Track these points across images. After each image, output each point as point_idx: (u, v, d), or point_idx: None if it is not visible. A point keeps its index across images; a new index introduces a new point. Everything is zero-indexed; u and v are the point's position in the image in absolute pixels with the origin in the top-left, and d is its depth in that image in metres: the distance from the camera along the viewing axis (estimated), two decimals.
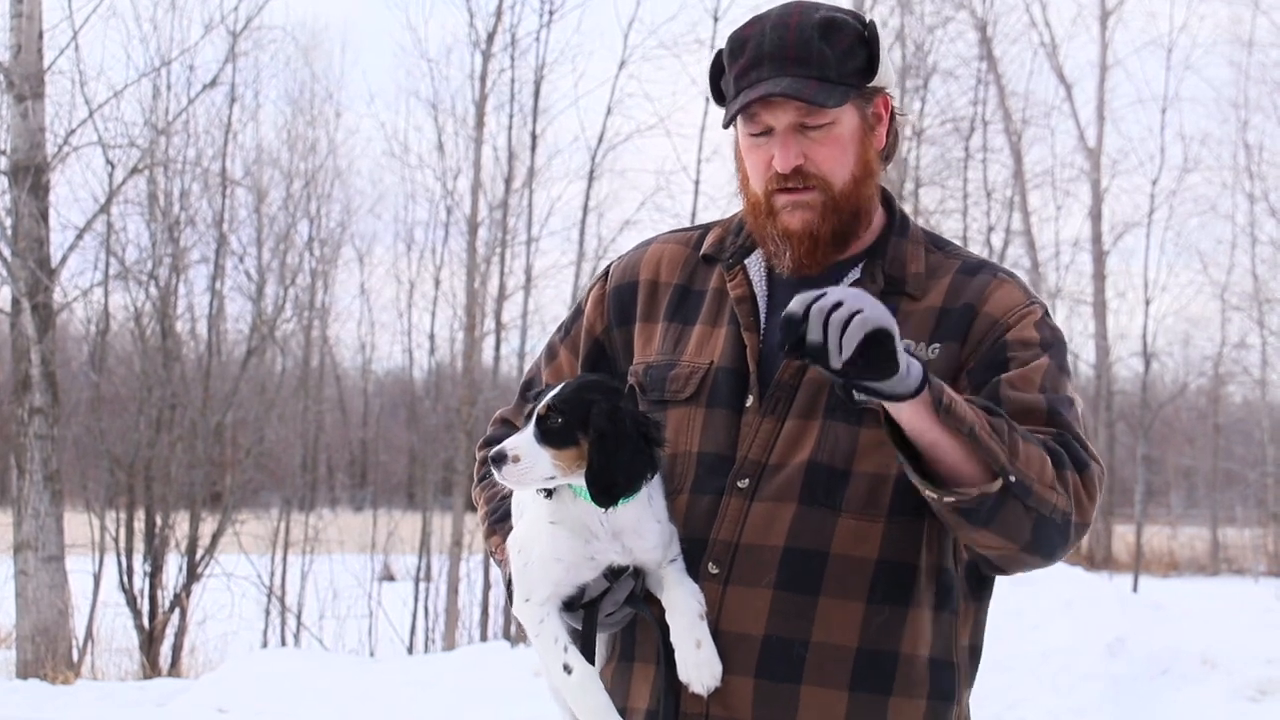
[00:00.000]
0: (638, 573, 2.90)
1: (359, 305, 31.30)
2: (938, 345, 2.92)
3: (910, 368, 2.65)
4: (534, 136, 21.81)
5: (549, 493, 2.90)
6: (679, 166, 25.31)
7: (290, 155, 24.87)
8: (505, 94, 21.71)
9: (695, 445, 2.96)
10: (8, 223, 15.27)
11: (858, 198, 2.96)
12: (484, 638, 19.26)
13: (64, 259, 15.82)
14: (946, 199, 29.21)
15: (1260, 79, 29.71)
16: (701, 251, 3.14)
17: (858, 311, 2.57)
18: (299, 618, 19.83)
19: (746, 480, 2.91)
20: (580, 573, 2.88)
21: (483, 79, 21.27)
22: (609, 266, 3.25)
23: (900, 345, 2.62)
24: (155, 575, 17.42)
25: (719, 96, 3.04)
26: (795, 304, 2.60)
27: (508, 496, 3.09)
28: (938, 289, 2.98)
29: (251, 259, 22.11)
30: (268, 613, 19.57)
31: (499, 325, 21.85)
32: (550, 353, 3.24)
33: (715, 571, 2.89)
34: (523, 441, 2.81)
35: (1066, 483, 2.78)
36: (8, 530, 15.89)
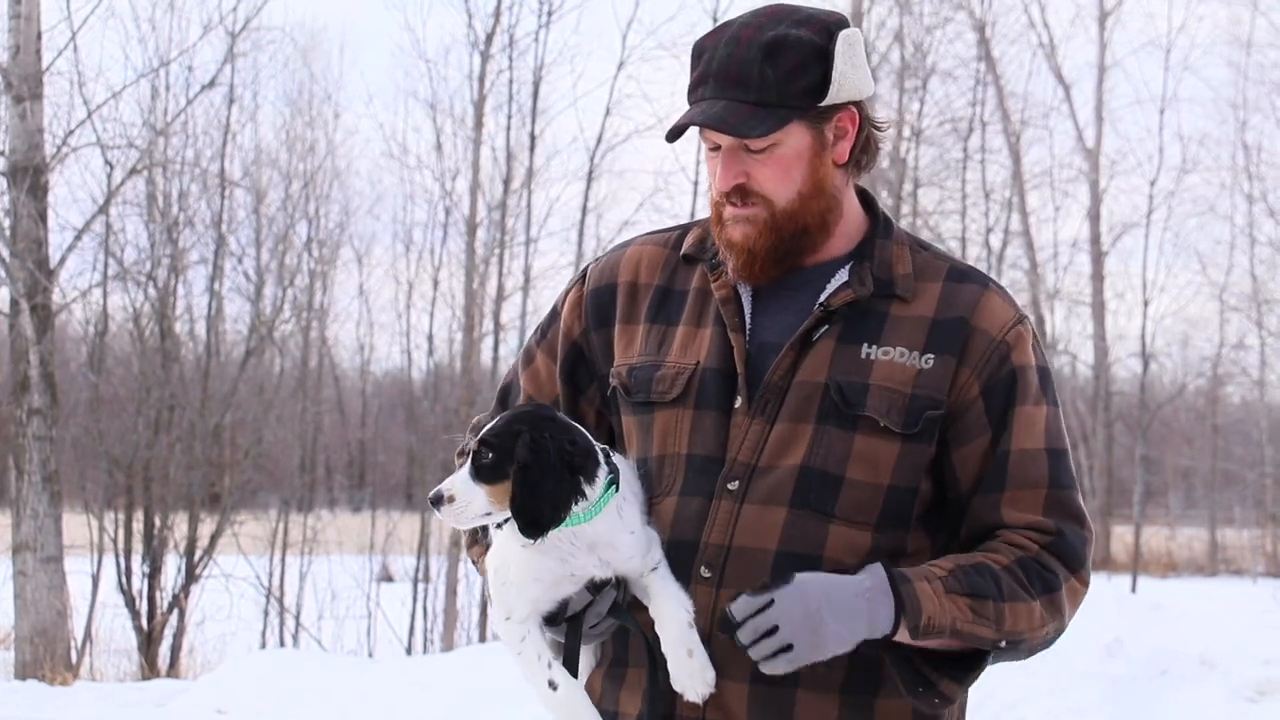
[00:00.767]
0: (620, 582, 2.88)
1: (358, 306, 31.28)
2: (931, 356, 2.91)
3: (875, 620, 2.76)
4: (533, 137, 21.81)
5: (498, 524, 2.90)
6: (677, 167, 25.38)
7: (289, 156, 24.88)
8: (504, 94, 21.72)
9: (684, 447, 2.95)
10: (6, 224, 15.27)
11: (803, 215, 2.95)
12: (482, 638, 19.25)
13: (63, 260, 15.82)
14: (945, 200, 29.22)
15: (1259, 80, 29.74)
16: (682, 251, 3.13)
17: (787, 648, 2.70)
18: (297, 618, 19.83)
19: (736, 482, 2.90)
20: (560, 589, 2.86)
21: (481, 79, 21.27)
22: (585, 269, 3.23)
23: (839, 635, 2.74)
24: (154, 576, 17.42)
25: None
26: (737, 609, 2.72)
27: None
28: (927, 296, 2.97)
29: (250, 260, 22.13)
30: (266, 613, 19.57)
31: (498, 326, 21.85)
32: (527, 357, 3.21)
33: (708, 575, 2.88)
34: (458, 481, 2.80)
35: (1058, 605, 2.89)
36: (6, 531, 15.88)
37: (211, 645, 17.26)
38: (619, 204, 46.09)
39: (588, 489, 2.79)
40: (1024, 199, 30.70)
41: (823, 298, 2.95)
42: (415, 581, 20.69)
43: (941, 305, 2.96)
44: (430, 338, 25.72)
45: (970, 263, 3.23)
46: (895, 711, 2.90)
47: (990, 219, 29.93)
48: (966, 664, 2.87)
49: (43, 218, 15.30)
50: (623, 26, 26.86)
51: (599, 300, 3.14)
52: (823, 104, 2.91)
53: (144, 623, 17.13)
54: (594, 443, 2.85)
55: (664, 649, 2.84)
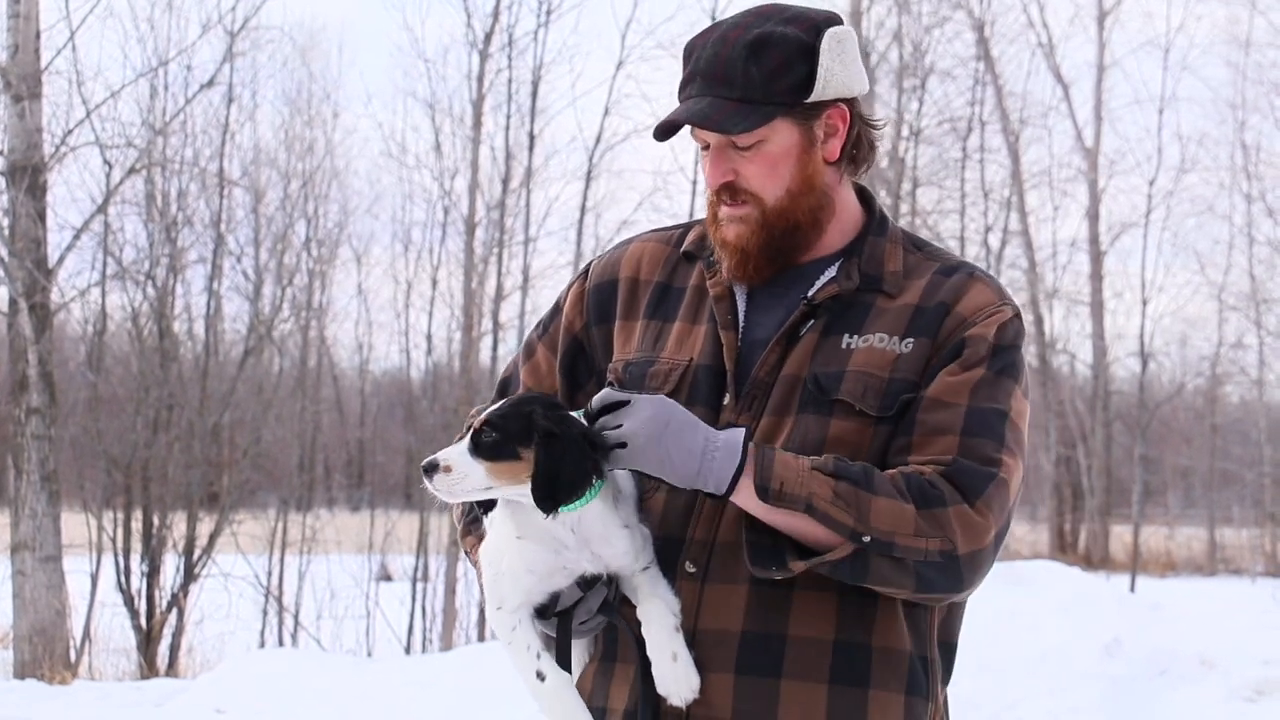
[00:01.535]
0: (611, 579, 2.90)
1: (356, 305, 31.28)
2: (911, 340, 2.93)
3: (703, 469, 2.76)
4: (531, 137, 21.82)
5: (483, 507, 2.90)
6: (676, 167, 25.32)
7: (288, 155, 24.88)
8: (503, 94, 21.73)
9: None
10: (5, 223, 15.27)
11: (793, 212, 2.97)
12: (481, 638, 19.24)
13: (61, 259, 15.82)
14: (944, 199, 29.24)
15: (1258, 79, 29.75)
16: (682, 249, 3.16)
17: (621, 444, 2.76)
18: (296, 618, 19.83)
19: None
20: (553, 581, 2.87)
21: (480, 79, 21.28)
22: (588, 265, 3.26)
23: (699, 447, 2.76)
24: (153, 575, 17.42)
25: None
26: (597, 398, 2.81)
27: None
28: (914, 288, 2.99)
29: (249, 259, 22.13)
30: (265, 613, 19.57)
31: (496, 325, 21.85)
32: (528, 350, 3.24)
33: (692, 570, 2.90)
34: (454, 453, 2.78)
35: (940, 521, 2.78)
36: (5, 531, 15.88)
37: (210, 644, 17.25)
38: (618, 203, 46.15)
39: (604, 470, 2.80)
40: (1023, 198, 30.73)
41: (809, 293, 2.98)
42: (414, 581, 20.70)
43: (925, 294, 2.98)
44: (429, 337, 25.71)
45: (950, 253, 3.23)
46: (886, 704, 2.90)
47: (989, 218, 29.97)
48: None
49: (41, 217, 15.30)
50: (621, 26, 26.89)
51: (600, 296, 3.17)
52: (809, 100, 2.93)
53: (143, 622, 17.13)
54: None
55: (649, 652, 2.86)
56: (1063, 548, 31.38)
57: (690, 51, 2.99)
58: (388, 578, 23.33)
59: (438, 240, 24.13)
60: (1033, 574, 12.27)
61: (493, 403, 2.93)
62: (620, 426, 2.75)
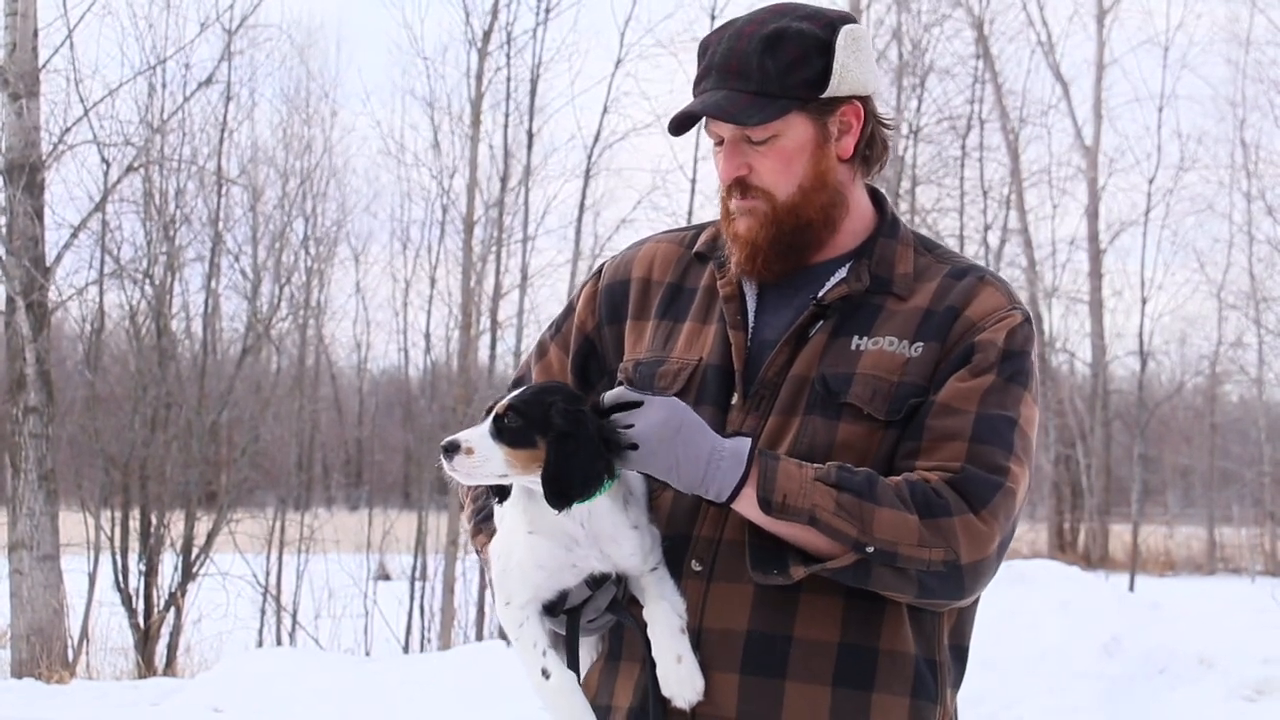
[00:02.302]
0: (620, 579, 2.90)
1: (354, 304, 31.28)
2: (920, 344, 2.92)
3: (715, 474, 2.75)
4: (530, 135, 21.80)
5: (500, 494, 2.90)
6: (675, 165, 25.37)
7: (286, 154, 24.85)
8: (501, 92, 21.71)
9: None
10: (2, 221, 15.26)
11: (805, 209, 2.97)
12: (479, 637, 19.24)
13: (59, 257, 15.81)
14: (943, 197, 29.22)
15: (1257, 77, 29.74)
16: (695, 250, 3.16)
17: (632, 445, 2.76)
18: (294, 617, 19.82)
19: None
20: (561, 578, 2.87)
21: (479, 77, 21.25)
22: (601, 265, 3.27)
23: (705, 454, 2.76)
24: (150, 574, 17.41)
25: None
26: (610, 395, 2.82)
27: None
28: (925, 291, 2.99)
29: (247, 257, 22.12)
30: (263, 612, 19.56)
31: (495, 324, 21.84)
32: (540, 350, 3.25)
33: (698, 569, 2.90)
34: (476, 435, 2.78)
35: (944, 531, 2.78)
36: (2, 529, 15.89)
37: (208, 644, 17.24)
38: (617, 202, 46.13)
39: (617, 470, 2.80)
40: (1022, 197, 30.71)
41: (819, 294, 2.97)
42: (412, 580, 20.71)
43: (936, 297, 2.97)
44: (427, 335, 25.69)
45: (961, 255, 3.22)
46: (891, 707, 2.89)
47: (988, 216, 29.96)
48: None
49: (39, 215, 15.29)
50: (620, 24, 26.82)
51: (612, 296, 3.18)
52: (824, 96, 2.93)
53: (140, 621, 17.12)
54: None
55: (654, 654, 2.86)
56: (1062, 547, 31.38)
57: (705, 47, 2.99)
58: (386, 577, 23.33)
59: (436, 239, 24.14)
60: (1032, 573, 12.25)
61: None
62: (632, 427, 2.76)
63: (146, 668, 16.50)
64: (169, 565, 17.68)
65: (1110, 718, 10.61)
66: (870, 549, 2.75)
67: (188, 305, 20.67)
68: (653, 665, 2.87)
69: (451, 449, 2.77)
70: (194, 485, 17.98)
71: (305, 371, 25.12)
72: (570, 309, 3.24)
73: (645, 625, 2.88)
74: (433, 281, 24.56)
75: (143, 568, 17.39)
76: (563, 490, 2.74)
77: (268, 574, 19.95)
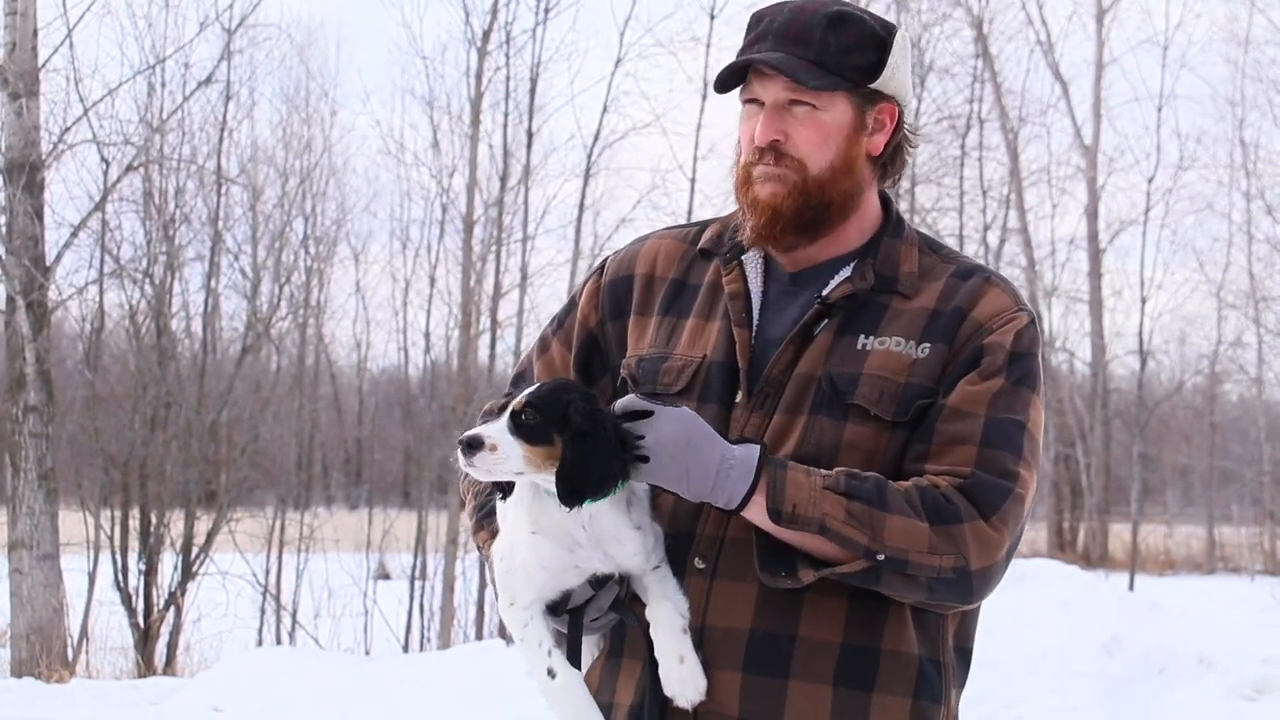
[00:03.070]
0: (622, 579, 2.90)
1: (354, 303, 31.28)
2: (927, 345, 2.93)
3: (724, 484, 2.75)
4: (530, 134, 21.78)
5: (503, 490, 2.89)
6: (675, 164, 25.30)
7: (285, 153, 24.84)
8: (501, 91, 21.69)
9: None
10: (2, 221, 15.25)
11: (831, 188, 2.98)
12: (479, 636, 19.23)
13: (59, 257, 15.80)
14: (943, 196, 29.24)
15: (1256, 77, 29.72)
16: (699, 246, 3.16)
17: (643, 458, 2.77)
18: (294, 616, 19.81)
19: None
20: (565, 579, 2.87)
21: (478, 77, 21.23)
22: (604, 260, 3.27)
23: (714, 464, 2.75)
24: (150, 574, 17.41)
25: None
26: (620, 403, 2.83)
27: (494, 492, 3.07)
28: (931, 291, 2.99)
29: (246, 257, 22.11)
30: (263, 611, 19.55)
31: (494, 323, 21.83)
32: (542, 345, 3.25)
33: (701, 566, 2.91)
34: (496, 431, 2.76)
35: (954, 538, 2.79)
36: (2, 529, 15.87)
37: (208, 643, 17.23)
38: (616, 201, 46.03)
39: (630, 470, 2.79)
40: (1021, 196, 30.71)
41: (824, 292, 2.98)
42: (412, 579, 20.70)
43: (942, 298, 2.98)
44: (427, 335, 25.69)
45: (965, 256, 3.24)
46: (891, 708, 2.90)
47: (988, 216, 29.96)
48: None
49: (39, 215, 15.28)
50: (620, 23, 26.76)
51: (616, 291, 3.18)
52: (873, 86, 2.97)
53: (140, 620, 17.11)
54: None
55: (656, 653, 2.86)
56: (1061, 546, 31.38)
57: (760, 18, 3.01)
58: (385, 576, 23.32)
59: (436, 238, 24.12)
60: (1032, 572, 12.25)
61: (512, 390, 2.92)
62: (642, 438, 2.76)
63: (146, 667, 16.49)
64: (169, 564, 17.67)
65: (1110, 717, 10.61)
66: (881, 556, 2.76)
67: (187, 305, 20.69)
68: (654, 665, 2.87)
69: (474, 445, 2.75)
70: (194, 484, 17.98)
71: (305, 371, 25.11)
72: (573, 304, 3.24)
73: (648, 625, 2.88)
74: (432, 281, 24.56)
75: (142, 567, 17.38)
76: (577, 489, 2.74)
77: (267, 573, 19.94)
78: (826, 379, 2.91)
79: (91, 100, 16.88)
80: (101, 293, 18.16)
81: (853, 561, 2.77)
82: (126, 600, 17.11)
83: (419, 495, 22.48)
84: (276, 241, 22.10)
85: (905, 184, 26.58)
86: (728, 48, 21.75)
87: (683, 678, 2.84)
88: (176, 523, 17.80)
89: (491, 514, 3.07)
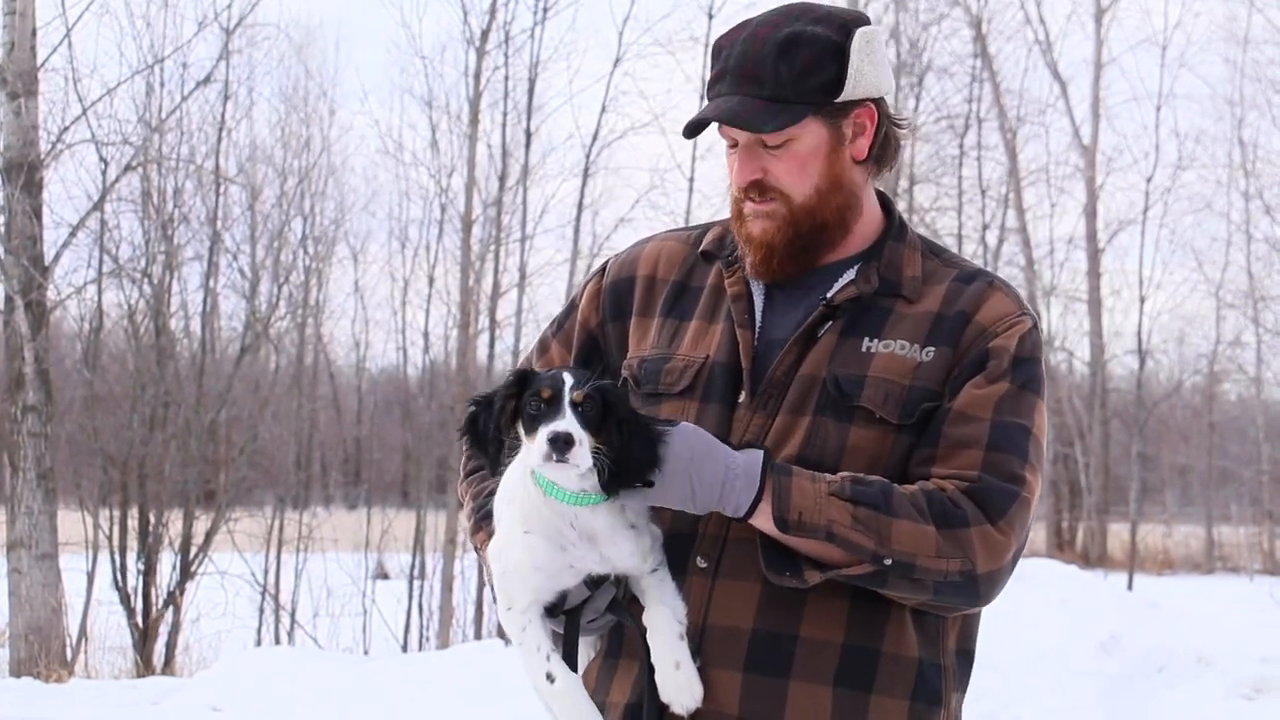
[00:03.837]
0: (619, 580, 2.90)
1: (353, 303, 31.30)
2: (931, 349, 2.94)
3: (730, 495, 2.75)
4: (528, 134, 21.79)
5: (494, 466, 2.88)
6: (674, 164, 25.26)
7: (284, 152, 24.83)
8: (499, 91, 21.71)
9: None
10: (1, 220, 15.24)
11: (821, 211, 2.98)
12: (478, 636, 19.23)
13: (57, 256, 15.80)
14: (941, 196, 29.24)
15: (1255, 76, 29.73)
16: (701, 248, 3.16)
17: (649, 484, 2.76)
18: (293, 616, 19.81)
19: None
20: (560, 580, 2.87)
21: (477, 76, 21.24)
22: (606, 262, 3.27)
23: (719, 477, 2.74)
24: (149, 573, 17.41)
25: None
26: None
27: (493, 494, 3.06)
28: (934, 295, 3.00)
29: (245, 256, 22.11)
30: (262, 611, 19.55)
31: (493, 323, 21.83)
32: (542, 347, 3.25)
33: (703, 566, 2.91)
34: (574, 425, 2.74)
35: (961, 542, 2.80)
36: (1, 528, 15.87)
37: (207, 643, 17.23)
38: (615, 201, 46.18)
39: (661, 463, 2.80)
40: (1020, 195, 30.71)
41: (828, 295, 2.98)
42: (411, 579, 20.70)
43: (946, 302, 2.99)
44: (426, 334, 25.72)
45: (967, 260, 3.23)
46: (890, 708, 2.90)
47: (986, 215, 29.97)
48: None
49: (37, 214, 15.28)
50: (619, 23, 26.77)
51: (617, 293, 3.18)
52: (838, 100, 2.94)
53: (139, 620, 17.11)
54: None
55: (653, 659, 2.86)
56: (1060, 546, 31.38)
57: (719, 50, 2.99)
58: (384, 576, 23.34)
59: (434, 237, 24.13)
60: (1030, 572, 12.24)
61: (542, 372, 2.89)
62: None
63: (145, 667, 16.50)
64: (167, 564, 17.68)
65: (1108, 716, 10.62)
66: (888, 561, 2.77)
67: (186, 304, 20.68)
68: (651, 670, 2.87)
69: (569, 441, 2.72)
70: (192, 484, 17.98)
71: (304, 370, 25.10)
72: (573, 305, 3.24)
73: (645, 629, 2.88)
74: (431, 280, 24.56)
75: (141, 567, 17.38)
76: (619, 476, 2.75)
77: (266, 573, 19.93)
78: (832, 381, 2.91)
79: (90, 100, 16.91)
80: (100, 292, 18.18)
81: (859, 565, 2.78)
82: (125, 600, 17.11)
83: (418, 495, 22.49)
84: (275, 241, 22.12)
85: (904, 184, 26.60)
86: None
87: (679, 684, 2.83)
88: (175, 522, 17.81)
89: (489, 516, 3.05)
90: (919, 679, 2.92)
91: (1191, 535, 33.42)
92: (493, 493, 3.06)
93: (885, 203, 3.12)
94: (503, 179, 21.65)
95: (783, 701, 2.86)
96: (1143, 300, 29.40)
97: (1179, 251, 31.75)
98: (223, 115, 20.51)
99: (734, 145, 2.99)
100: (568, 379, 2.79)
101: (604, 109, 22.38)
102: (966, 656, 3.04)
